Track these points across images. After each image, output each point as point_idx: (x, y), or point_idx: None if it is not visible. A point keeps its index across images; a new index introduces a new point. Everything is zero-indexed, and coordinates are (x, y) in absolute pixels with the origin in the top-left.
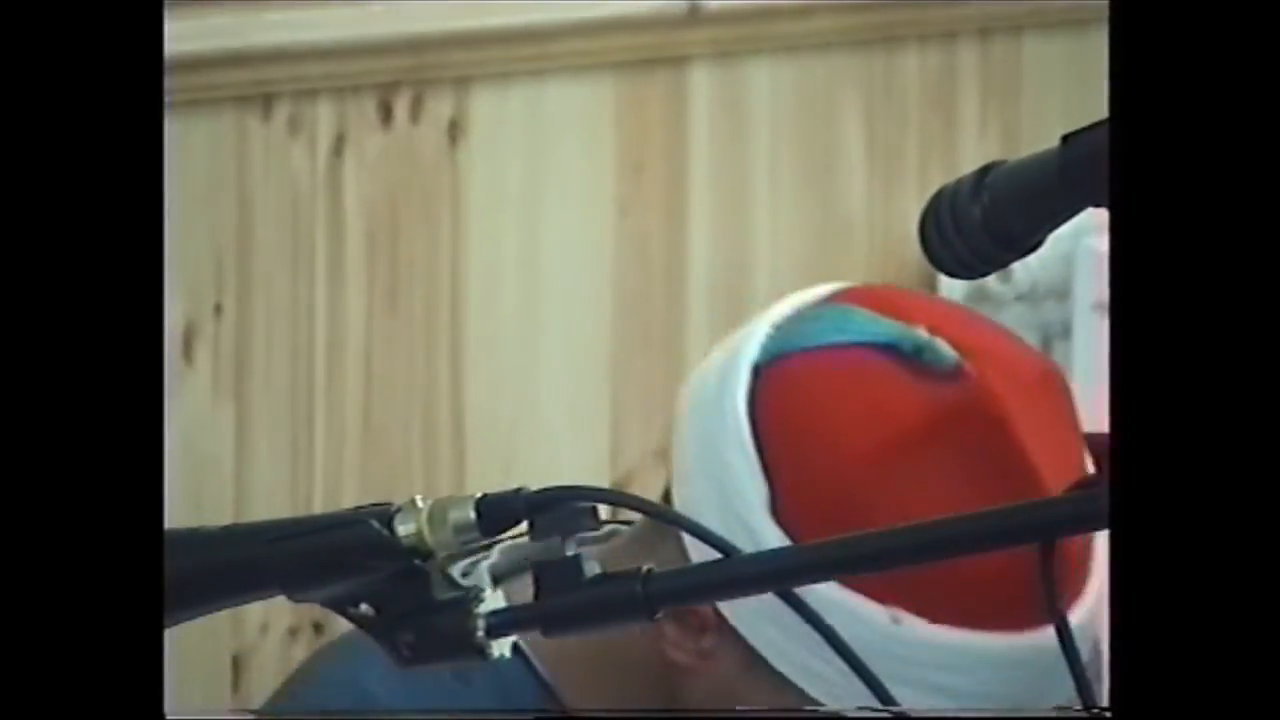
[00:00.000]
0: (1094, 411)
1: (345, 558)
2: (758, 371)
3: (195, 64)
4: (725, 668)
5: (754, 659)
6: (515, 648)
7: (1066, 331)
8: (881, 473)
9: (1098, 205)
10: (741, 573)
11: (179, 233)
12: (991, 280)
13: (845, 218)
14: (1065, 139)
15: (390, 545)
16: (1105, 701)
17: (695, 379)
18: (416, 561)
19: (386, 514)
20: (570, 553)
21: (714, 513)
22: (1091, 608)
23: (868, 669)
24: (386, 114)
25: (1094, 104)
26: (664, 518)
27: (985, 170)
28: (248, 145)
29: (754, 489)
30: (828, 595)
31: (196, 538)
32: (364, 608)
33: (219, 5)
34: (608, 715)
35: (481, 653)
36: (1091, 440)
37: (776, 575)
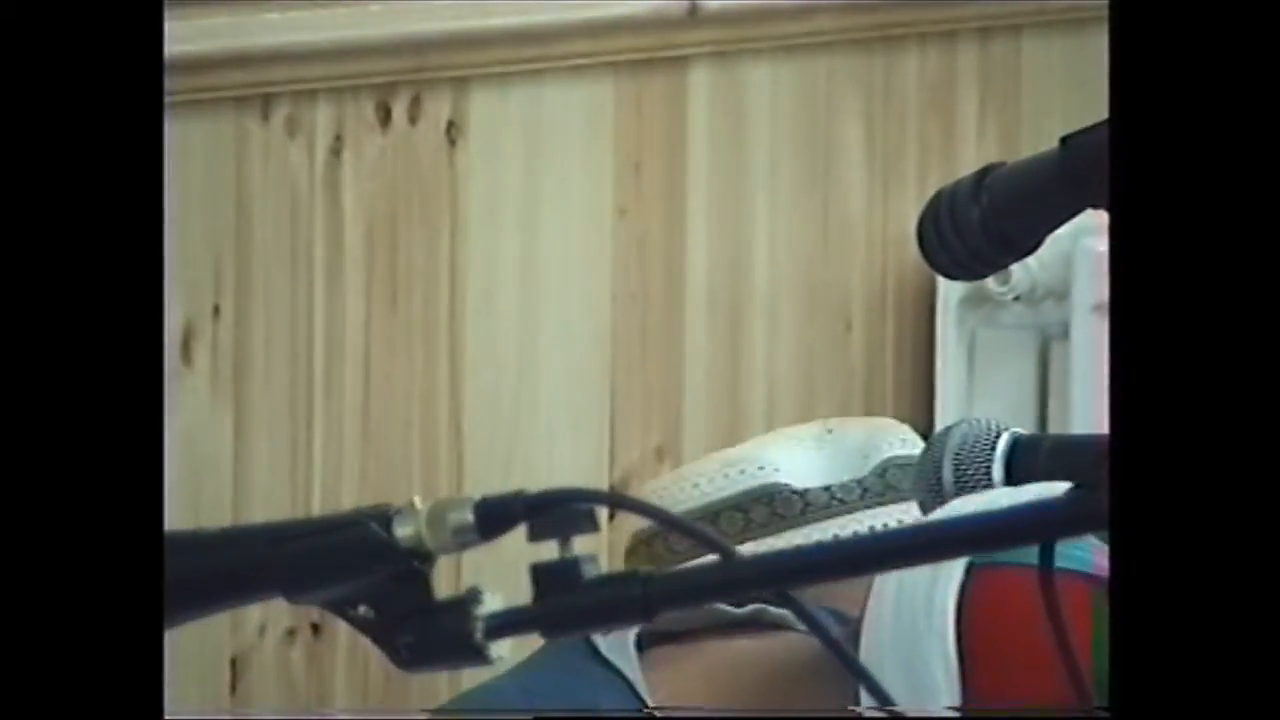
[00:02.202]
0: (1094, 412)
1: (344, 560)
2: (970, 570)
3: (194, 65)
4: None
5: None
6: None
7: (1065, 332)
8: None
9: (1096, 206)
10: (741, 574)
11: (177, 234)
12: (990, 281)
13: (844, 218)
14: (1064, 140)
15: (389, 547)
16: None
17: None
18: (415, 563)
19: (385, 516)
20: (569, 555)
21: (901, 692)
22: None
23: (867, 671)
24: (385, 115)
25: (1093, 104)
26: (659, 519)
27: (983, 172)
28: (246, 146)
29: (947, 693)
30: None
31: (195, 540)
32: (363, 609)
33: (217, 6)
34: (602, 715)
35: (480, 654)
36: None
37: (776, 576)
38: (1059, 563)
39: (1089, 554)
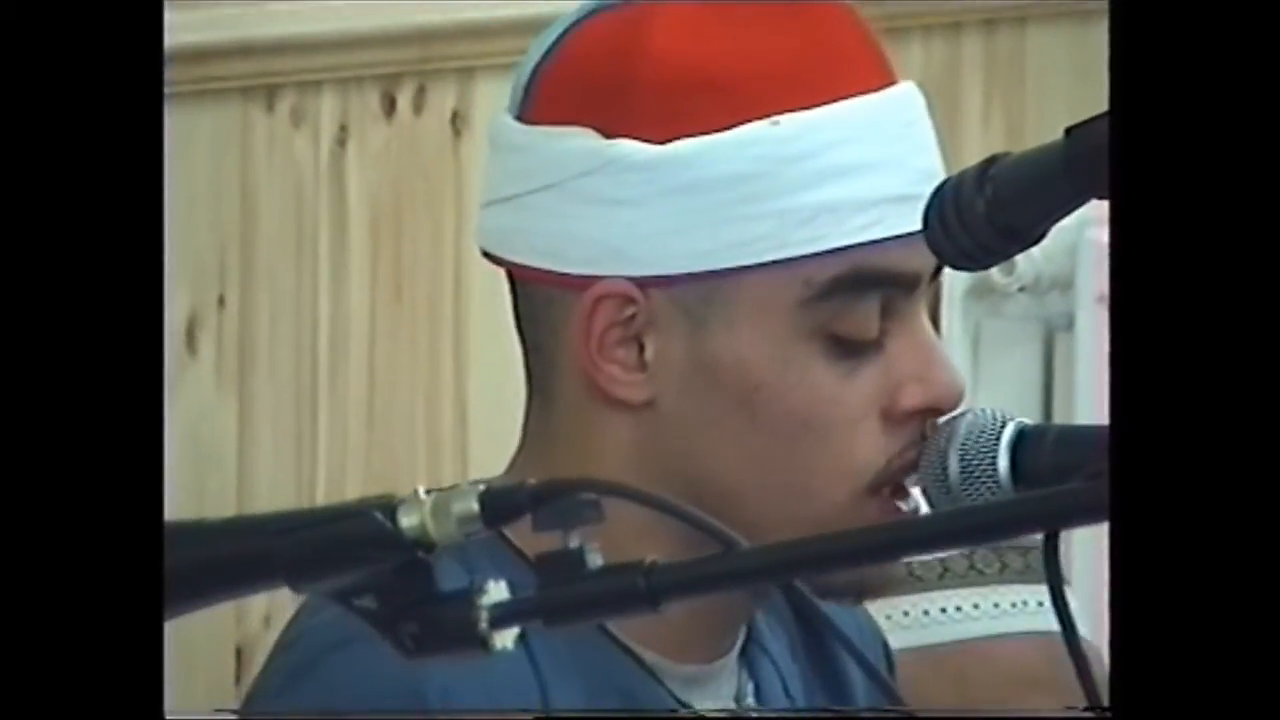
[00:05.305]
0: (1098, 403)
1: (348, 550)
2: None
3: (199, 55)
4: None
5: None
6: None
7: (1070, 323)
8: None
9: (1101, 197)
10: (744, 564)
11: (182, 224)
12: (995, 272)
13: None
14: (1069, 131)
15: (393, 537)
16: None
17: None
18: (420, 553)
19: (390, 506)
20: (573, 544)
21: None
22: None
23: (873, 666)
24: (390, 105)
25: (1098, 95)
26: (665, 509)
27: (989, 162)
28: (251, 136)
29: None
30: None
31: (199, 530)
32: (367, 599)
33: None
34: (603, 715)
35: (484, 644)
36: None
37: (780, 567)
38: None
39: None
